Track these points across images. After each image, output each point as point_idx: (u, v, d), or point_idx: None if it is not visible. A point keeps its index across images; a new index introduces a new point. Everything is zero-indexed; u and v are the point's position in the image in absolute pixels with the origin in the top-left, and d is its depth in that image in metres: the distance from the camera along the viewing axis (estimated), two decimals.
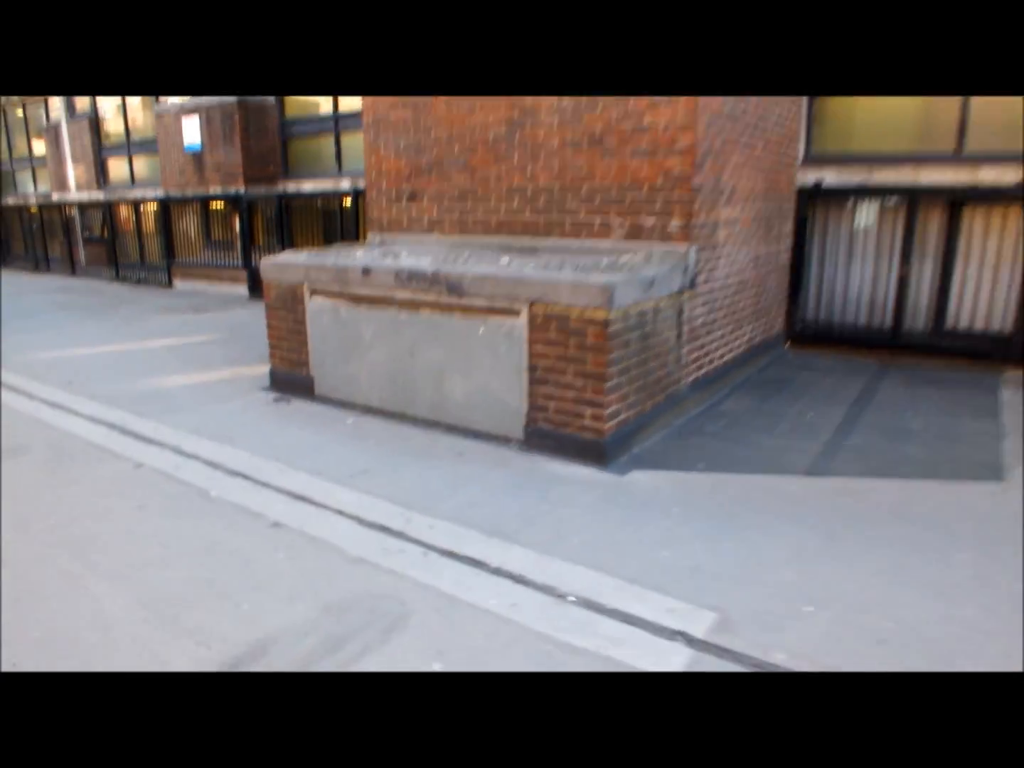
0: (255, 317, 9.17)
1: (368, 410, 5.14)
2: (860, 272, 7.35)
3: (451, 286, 4.47)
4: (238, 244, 11.45)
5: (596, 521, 3.48)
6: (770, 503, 3.73)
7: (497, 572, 2.99)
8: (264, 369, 6.11)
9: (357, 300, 5.03)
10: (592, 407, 4.10)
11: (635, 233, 5.00)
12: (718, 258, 5.39)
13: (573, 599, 2.81)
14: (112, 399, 5.55)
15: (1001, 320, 6.77)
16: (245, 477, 3.98)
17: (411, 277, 4.64)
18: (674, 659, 2.46)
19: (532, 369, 4.28)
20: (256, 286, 10.94)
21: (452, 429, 4.71)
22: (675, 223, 4.79)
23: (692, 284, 4.96)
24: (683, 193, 4.72)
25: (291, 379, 5.60)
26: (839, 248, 7.42)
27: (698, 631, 2.63)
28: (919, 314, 7.11)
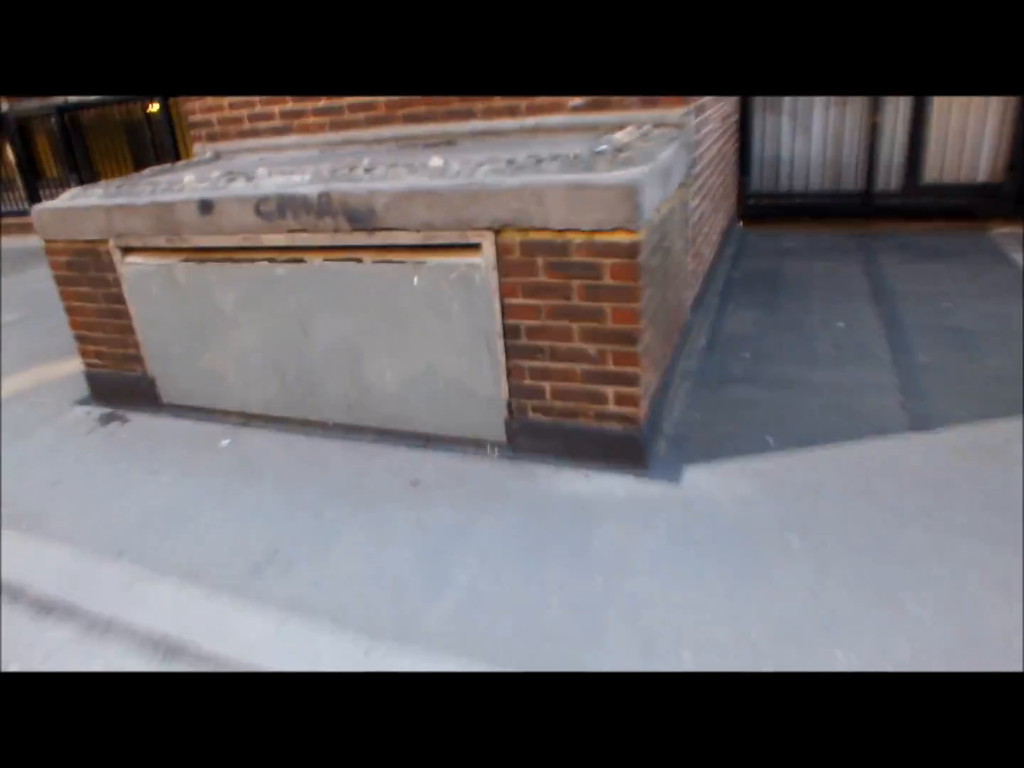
0: None
1: (248, 418, 3.41)
2: (822, 126, 6.07)
3: (355, 215, 2.74)
4: (18, 180, 8.74)
5: (692, 597, 2.08)
6: (906, 496, 2.47)
7: None
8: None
9: (201, 255, 3.18)
10: (618, 384, 2.62)
11: (601, 100, 3.39)
12: (705, 123, 3.89)
13: None
14: None
15: (989, 169, 5.74)
16: (71, 614, 2.25)
17: (284, 207, 2.86)
18: None
19: (511, 333, 2.71)
20: None
21: (386, 435, 3.11)
22: None
23: (693, 164, 3.47)
24: None
25: (120, 384, 3.72)
26: (795, 100, 6.07)
27: None
28: (892, 171, 5.98)
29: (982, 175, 5.78)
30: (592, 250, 2.44)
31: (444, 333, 2.80)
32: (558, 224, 2.45)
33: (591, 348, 2.59)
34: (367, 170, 2.87)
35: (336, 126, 4.06)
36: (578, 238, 2.44)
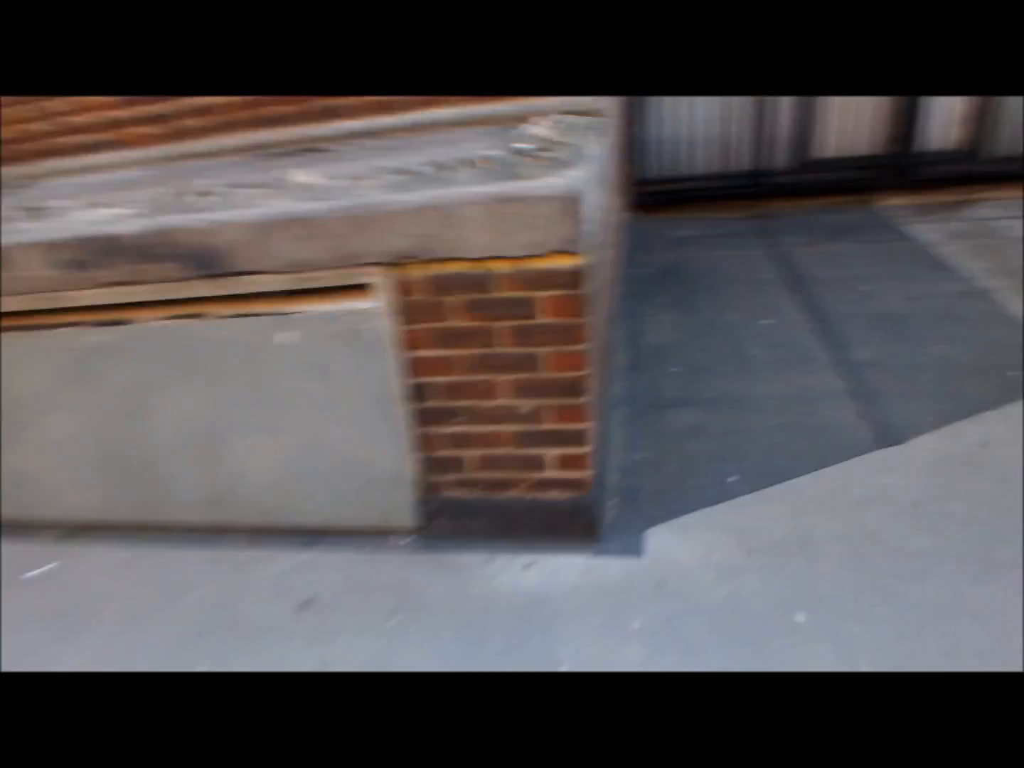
0: None
1: (77, 529, 2.61)
2: (707, 105, 5.78)
3: (192, 258, 2.05)
4: None
5: None
6: (903, 533, 2.11)
7: None
8: None
9: None
10: (560, 444, 2.08)
11: None
12: (612, 108, 3.41)
13: None
14: None
15: (872, 140, 5.65)
16: None
17: (93, 254, 2.12)
18: None
19: (417, 394, 2.11)
20: None
21: (263, 535, 2.43)
22: None
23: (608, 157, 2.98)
24: None
25: None
26: None
27: None
28: (780, 146, 5.79)
29: (866, 147, 5.69)
30: (522, 282, 1.89)
31: (328, 400, 2.16)
32: (476, 252, 1.88)
33: (525, 403, 2.04)
34: (202, 195, 2.17)
35: (168, 137, 3.28)
36: (503, 267, 1.88)
